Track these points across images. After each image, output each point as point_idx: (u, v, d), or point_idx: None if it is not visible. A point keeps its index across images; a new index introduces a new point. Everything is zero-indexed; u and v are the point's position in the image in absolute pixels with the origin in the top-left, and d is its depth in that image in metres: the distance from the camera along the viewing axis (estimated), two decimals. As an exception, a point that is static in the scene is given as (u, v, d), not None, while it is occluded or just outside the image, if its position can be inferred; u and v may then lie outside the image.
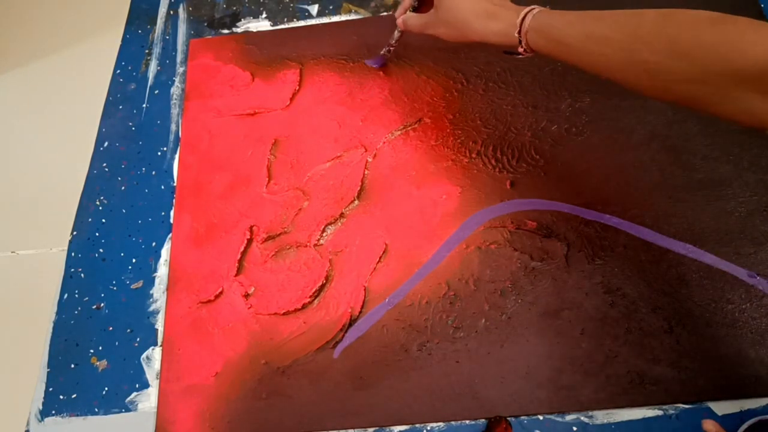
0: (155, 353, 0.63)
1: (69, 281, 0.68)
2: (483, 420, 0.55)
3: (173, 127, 0.77)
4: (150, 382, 0.61)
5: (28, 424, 0.61)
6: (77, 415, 0.61)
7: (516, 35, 0.53)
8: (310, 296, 0.63)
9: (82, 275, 0.68)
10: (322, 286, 0.63)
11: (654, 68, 0.44)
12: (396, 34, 0.69)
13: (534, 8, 0.53)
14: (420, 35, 0.63)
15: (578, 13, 0.49)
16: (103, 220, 0.71)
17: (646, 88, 0.46)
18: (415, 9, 0.65)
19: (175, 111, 0.78)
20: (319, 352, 0.60)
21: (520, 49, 0.53)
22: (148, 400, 0.60)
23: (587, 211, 0.64)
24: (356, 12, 0.83)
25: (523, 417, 0.55)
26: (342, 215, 0.67)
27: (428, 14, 0.61)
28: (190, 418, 0.58)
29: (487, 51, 0.76)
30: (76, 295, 0.67)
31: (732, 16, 0.41)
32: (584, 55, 0.48)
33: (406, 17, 0.65)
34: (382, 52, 0.73)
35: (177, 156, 0.74)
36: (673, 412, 0.54)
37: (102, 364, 0.63)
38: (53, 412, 0.61)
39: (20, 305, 1.36)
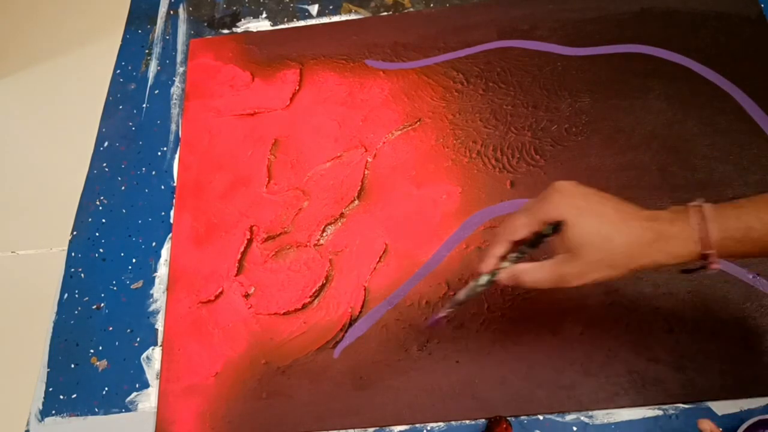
0: (155, 353, 0.63)
1: (69, 281, 0.68)
2: (483, 420, 0.55)
3: (173, 127, 0.77)
4: (150, 382, 0.61)
5: (28, 424, 0.61)
6: (77, 415, 0.61)
7: (705, 252, 0.41)
8: (310, 296, 0.63)
9: (82, 275, 0.68)
10: (322, 286, 0.63)
11: None
12: (478, 288, 0.47)
13: (701, 209, 0.42)
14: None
15: (759, 203, 0.42)
16: (103, 220, 0.71)
17: None
18: (522, 256, 0.45)
19: (175, 111, 0.78)
20: (319, 352, 0.60)
21: (714, 266, 0.42)
22: (148, 400, 0.60)
23: (587, 211, 0.63)
24: (356, 12, 0.83)
25: (523, 417, 0.55)
26: (342, 215, 0.67)
27: (559, 262, 0.43)
28: (190, 418, 0.58)
29: (487, 51, 0.76)
30: (76, 295, 0.67)
31: None
32: None
33: (518, 270, 0.45)
34: (444, 314, 0.52)
35: (177, 156, 0.74)
36: (673, 412, 0.54)
37: (102, 364, 0.63)
38: (53, 412, 0.61)
39: (20, 305, 1.36)
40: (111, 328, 0.65)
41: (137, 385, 0.61)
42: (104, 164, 0.75)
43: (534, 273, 0.44)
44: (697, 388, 0.54)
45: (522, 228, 0.44)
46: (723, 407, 0.54)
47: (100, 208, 0.72)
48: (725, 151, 0.65)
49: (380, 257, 0.64)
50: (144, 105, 0.79)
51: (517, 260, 0.45)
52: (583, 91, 0.71)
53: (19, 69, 1.74)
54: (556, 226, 0.43)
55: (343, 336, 0.60)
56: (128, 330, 0.64)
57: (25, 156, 1.59)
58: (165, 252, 0.68)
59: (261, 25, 0.84)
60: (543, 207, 0.43)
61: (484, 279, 0.46)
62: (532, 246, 0.45)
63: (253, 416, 0.58)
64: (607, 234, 0.42)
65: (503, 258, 0.46)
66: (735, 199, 0.43)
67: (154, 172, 0.74)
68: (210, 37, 0.84)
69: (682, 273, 0.44)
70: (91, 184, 0.74)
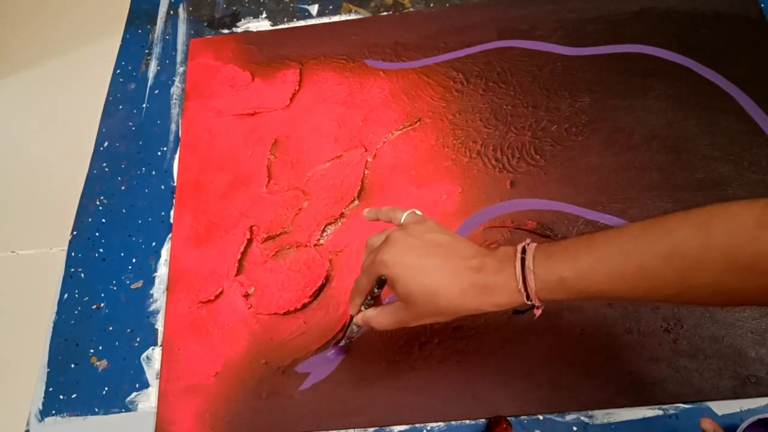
0: (155, 353, 0.63)
1: (69, 281, 0.68)
2: (483, 420, 0.55)
3: (173, 127, 0.77)
4: (150, 382, 0.61)
5: (28, 424, 0.61)
6: (77, 415, 0.61)
7: (527, 302, 0.43)
8: (310, 296, 0.63)
9: (82, 275, 0.68)
10: (322, 286, 0.63)
11: (716, 289, 0.38)
12: (355, 329, 0.55)
13: (525, 258, 0.43)
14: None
15: (580, 246, 0.42)
16: (103, 220, 0.71)
17: (714, 304, 0.42)
18: (371, 303, 0.51)
19: (175, 111, 0.78)
20: (319, 352, 0.60)
21: (537, 311, 0.44)
22: (148, 400, 0.60)
23: (587, 211, 0.64)
24: (356, 12, 0.83)
25: (523, 417, 0.55)
26: (342, 215, 0.67)
27: (397, 309, 0.48)
28: (190, 418, 0.58)
29: (487, 51, 0.76)
30: (76, 295, 0.67)
31: None
32: (619, 294, 0.42)
33: (368, 316, 0.50)
34: (342, 344, 0.60)
35: (177, 156, 0.74)
36: (673, 411, 0.54)
37: (102, 364, 0.63)
38: (53, 412, 0.61)
39: (20, 305, 1.36)
40: (111, 328, 0.65)
41: (137, 385, 0.61)
42: (104, 164, 0.75)
43: (378, 318, 0.49)
44: (696, 387, 0.54)
45: (364, 285, 0.50)
46: (723, 407, 0.54)
47: (100, 208, 0.72)
48: (725, 151, 0.65)
49: (380, 257, 0.64)
50: (144, 105, 0.79)
51: (368, 306, 0.51)
52: (583, 91, 0.71)
53: (19, 69, 1.74)
54: (381, 283, 0.49)
55: (343, 336, 0.60)
56: (128, 330, 0.64)
57: (25, 156, 1.59)
58: (165, 252, 0.68)
59: (261, 25, 0.84)
60: (374, 265, 0.47)
61: (353, 324, 0.54)
62: (374, 297, 0.51)
63: (253, 416, 0.58)
64: (431, 290, 0.45)
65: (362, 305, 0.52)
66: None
67: (154, 172, 0.74)
68: (210, 37, 0.84)
69: (514, 314, 0.47)
70: (91, 184, 0.74)
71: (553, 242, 0.44)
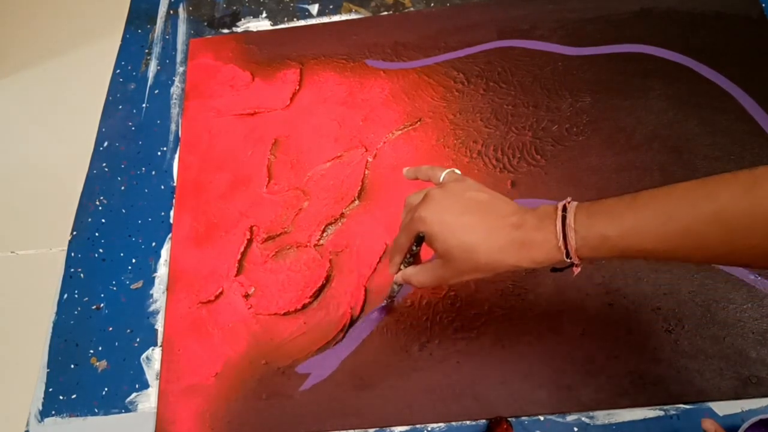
0: (155, 353, 0.63)
1: (69, 281, 0.68)
2: (484, 420, 0.55)
3: (173, 127, 0.77)
4: (150, 383, 0.61)
5: (27, 424, 0.61)
6: (77, 416, 0.60)
7: (566, 260, 0.43)
8: (311, 296, 0.63)
9: (82, 275, 0.68)
10: (323, 287, 0.63)
11: (761, 252, 0.38)
12: (395, 287, 0.56)
13: (566, 216, 0.43)
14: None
15: (622, 205, 0.42)
16: (103, 220, 0.71)
17: (758, 267, 0.42)
18: (411, 261, 0.52)
19: (175, 111, 0.78)
20: (320, 352, 0.60)
21: (576, 269, 0.44)
22: (148, 401, 0.60)
23: (588, 211, 0.63)
24: (356, 12, 0.83)
25: (523, 417, 0.55)
26: (342, 215, 0.67)
27: (436, 266, 0.48)
28: (190, 418, 0.58)
29: (487, 51, 0.76)
30: (76, 296, 0.67)
31: None
32: (660, 254, 0.41)
33: (407, 274, 0.51)
34: (384, 304, 0.61)
35: (177, 156, 0.74)
36: (674, 412, 0.54)
37: (102, 365, 0.63)
38: (53, 412, 0.61)
39: (20, 305, 1.36)
40: (111, 329, 0.65)
41: (137, 386, 0.61)
42: (104, 164, 0.75)
43: (418, 275, 0.50)
44: (698, 388, 0.54)
45: (403, 243, 0.50)
46: (724, 407, 0.54)
47: (100, 208, 0.72)
48: (726, 151, 0.65)
49: (381, 257, 0.64)
50: (144, 105, 0.79)
51: (408, 265, 0.52)
52: (584, 91, 0.71)
53: (19, 69, 1.74)
54: (420, 240, 0.48)
55: (343, 336, 0.60)
56: (128, 330, 0.64)
57: (25, 156, 1.59)
58: (165, 252, 0.68)
59: (261, 24, 0.84)
60: (413, 222, 0.48)
61: (393, 284, 0.55)
62: (413, 255, 0.51)
63: (253, 416, 0.58)
64: (470, 246, 0.45)
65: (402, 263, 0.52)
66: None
67: (153, 172, 0.74)
68: (210, 36, 0.84)
69: (552, 272, 0.46)
70: (91, 184, 0.74)
71: (594, 201, 0.43)
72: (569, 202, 0.44)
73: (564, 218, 0.43)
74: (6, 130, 1.65)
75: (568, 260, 0.43)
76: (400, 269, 0.52)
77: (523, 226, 0.44)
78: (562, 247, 0.43)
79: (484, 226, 0.45)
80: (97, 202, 0.72)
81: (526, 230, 0.44)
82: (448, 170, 0.51)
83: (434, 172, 0.52)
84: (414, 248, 0.50)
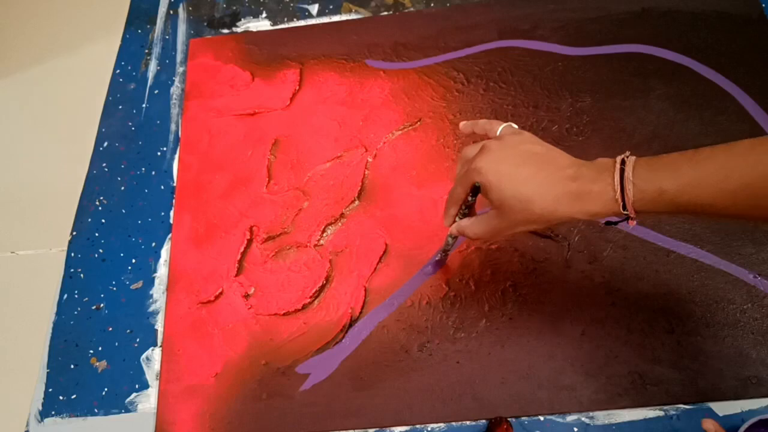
0: (155, 354, 0.63)
1: (69, 281, 0.68)
2: (484, 421, 0.55)
3: (173, 127, 0.77)
4: (150, 383, 0.61)
5: (27, 424, 0.61)
6: (77, 416, 0.60)
7: (622, 213, 0.43)
8: (311, 297, 0.63)
9: (82, 275, 0.68)
10: (323, 287, 0.63)
11: None
12: (450, 240, 0.58)
13: (625, 169, 0.42)
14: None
15: (683, 160, 0.42)
16: (103, 221, 0.71)
17: None
18: (466, 213, 0.52)
19: (174, 111, 0.78)
20: (320, 352, 0.60)
21: (632, 223, 0.44)
22: (147, 401, 0.60)
23: (588, 212, 0.63)
24: (356, 12, 0.83)
25: (524, 418, 0.55)
26: (342, 215, 0.67)
27: (491, 217, 0.48)
28: (190, 418, 0.58)
29: (487, 51, 0.76)
30: (76, 296, 0.67)
31: None
32: (718, 210, 0.41)
33: (462, 226, 0.51)
34: (438, 258, 0.62)
35: (177, 156, 0.74)
36: (674, 412, 0.54)
37: (102, 365, 0.63)
38: (53, 412, 0.61)
39: (20, 305, 1.36)
40: (111, 329, 0.65)
41: (137, 386, 0.61)
42: (104, 164, 0.75)
43: (473, 227, 0.50)
44: (698, 388, 0.54)
45: (458, 194, 0.51)
46: (724, 408, 0.54)
47: (100, 208, 0.72)
48: (726, 151, 0.65)
49: (381, 258, 0.64)
50: (144, 105, 0.79)
51: (463, 216, 0.52)
52: (584, 91, 0.71)
53: (19, 69, 1.74)
54: (475, 191, 0.49)
55: (343, 337, 0.60)
56: (128, 330, 0.64)
57: (25, 156, 1.59)
58: (165, 252, 0.68)
59: (261, 24, 0.84)
60: (469, 173, 0.48)
61: (448, 236, 0.57)
62: (469, 207, 0.52)
63: (253, 417, 0.58)
64: (526, 197, 0.45)
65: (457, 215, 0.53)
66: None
67: (153, 172, 0.74)
68: (210, 36, 0.83)
69: (605, 225, 0.47)
70: (91, 185, 0.74)
71: (654, 156, 0.43)
72: (628, 156, 0.43)
73: (622, 171, 0.43)
74: (6, 130, 1.65)
75: (624, 213, 0.43)
76: (454, 221, 0.52)
77: (580, 177, 0.44)
78: (619, 200, 0.42)
79: (540, 176, 0.45)
80: (97, 203, 0.72)
81: (583, 182, 0.44)
82: (505, 124, 0.51)
83: (491, 126, 0.52)
84: (469, 199, 0.50)
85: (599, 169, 0.44)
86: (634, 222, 0.44)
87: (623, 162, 0.43)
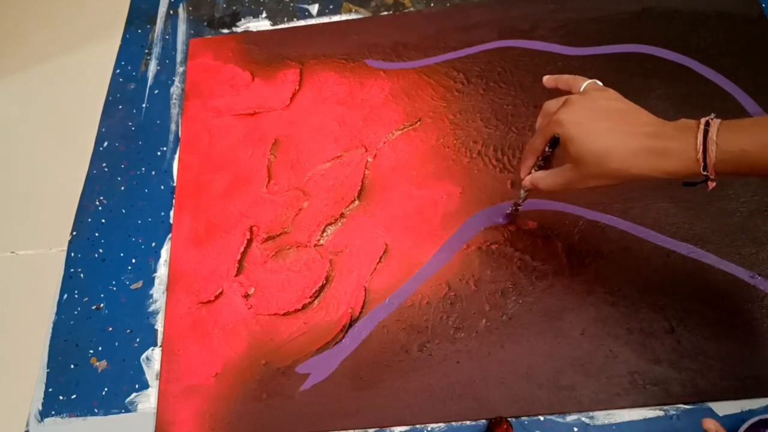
0: (155, 354, 0.63)
1: (69, 281, 0.68)
2: (484, 421, 0.55)
3: (173, 126, 0.77)
4: (150, 383, 0.61)
5: (27, 424, 0.61)
6: (77, 416, 0.60)
7: (703, 173, 0.43)
8: (311, 297, 0.63)
9: (82, 275, 0.68)
10: (323, 287, 0.63)
11: None
12: (523, 193, 0.57)
13: (708, 130, 0.42)
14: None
15: (766, 122, 0.42)
16: (103, 221, 0.71)
17: None
18: (543, 165, 0.52)
19: (174, 111, 0.78)
20: (320, 352, 0.60)
21: (711, 184, 0.44)
22: (147, 401, 0.60)
23: (588, 211, 0.63)
24: (356, 12, 0.83)
25: (523, 417, 0.55)
26: (342, 215, 0.67)
27: (565, 170, 0.49)
28: (190, 418, 0.58)
29: (487, 51, 0.76)
30: (76, 296, 0.67)
31: None
32: None
33: (536, 178, 0.52)
34: (508, 211, 0.63)
35: (177, 156, 0.74)
36: (674, 412, 0.54)
37: (102, 365, 0.63)
38: (53, 412, 0.61)
39: (20, 305, 1.36)
40: (111, 329, 0.65)
41: (137, 386, 0.61)
42: (104, 164, 0.75)
43: (546, 179, 0.51)
44: (698, 388, 0.54)
45: (537, 144, 0.51)
46: (724, 407, 0.54)
47: (100, 208, 0.72)
48: (726, 151, 0.65)
49: (381, 258, 0.64)
50: (144, 105, 0.79)
51: (538, 169, 0.52)
52: (584, 91, 0.71)
53: (19, 69, 1.74)
54: (554, 143, 0.49)
55: (343, 337, 0.60)
56: (128, 330, 0.64)
57: (24, 156, 1.59)
58: (165, 252, 0.68)
59: (261, 24, 0.84)
60: (550, 125, 0.49)
61: (522, 189, 0.56)
62: (545, 159, 0.52)
63: (253, 417, 0.58)
64: (604, 151, 0.45)
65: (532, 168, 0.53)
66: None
67: (153, 172, 0.74)
68: (210, 36, 0.83)
69: (684, 186, 0.46)
70: (91, 184, 0.74)
71: (737, 119, 0.43)
72: (712, 118, 0.43)
73: (706, 132, 0.42)
74: (6, 130, 1.65)
75: (704, 174, 0.42)
76: (530, 172, 0.53)
77: (661, 135, 0.44)
78: (701, 160, 0.42)
79: (619, 131, 0.45)
80: (97, 203, 0.72)
81: (663, 139, 0.44)
82: (590, 80, 0.51)
83: (575, 82, 0.52)
84: (547, 150, 0.50)
85: (681, 128, 0.44)
86: (713, 184, 0.43)
87: (707, 123, 0.43)
